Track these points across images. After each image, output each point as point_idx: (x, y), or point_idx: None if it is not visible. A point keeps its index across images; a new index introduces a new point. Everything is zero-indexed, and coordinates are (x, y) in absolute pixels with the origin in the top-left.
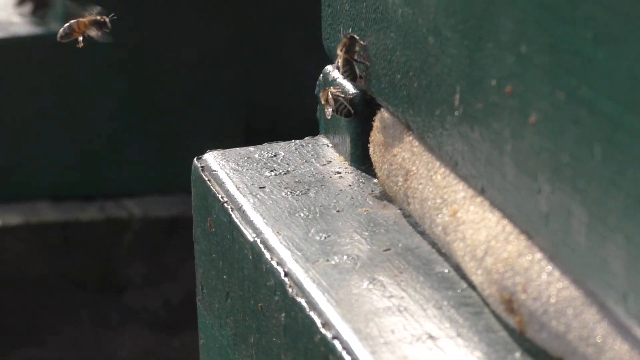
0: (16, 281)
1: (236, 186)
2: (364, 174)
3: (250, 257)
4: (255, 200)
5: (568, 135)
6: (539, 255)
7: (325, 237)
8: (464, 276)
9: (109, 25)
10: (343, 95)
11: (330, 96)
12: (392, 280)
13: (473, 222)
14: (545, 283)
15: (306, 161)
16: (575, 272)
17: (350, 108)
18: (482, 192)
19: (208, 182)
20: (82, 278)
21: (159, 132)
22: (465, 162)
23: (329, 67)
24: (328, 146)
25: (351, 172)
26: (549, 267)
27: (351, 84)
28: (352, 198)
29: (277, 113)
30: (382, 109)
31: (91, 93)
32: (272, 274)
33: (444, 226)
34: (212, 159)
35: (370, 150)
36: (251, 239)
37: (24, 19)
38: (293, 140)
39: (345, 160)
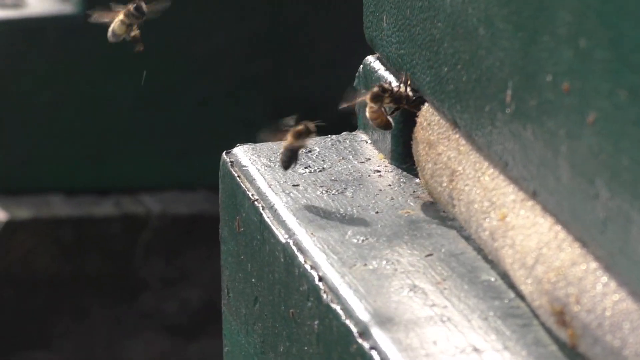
0: (25, 280)
1: (268, 183)
2: (405, 173)
3: (282, 259)
4: (288, 198)
5: (629, 137)
6: (594, 265)
7: (362, 240)
8: (512, 285)
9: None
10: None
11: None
12: (434, 288)
13: (523, 227)
14: (600, 294)
15: (343, 158)
16: (633, 284)
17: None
18: (533, 195)
19: (237, 178)
20: (96, 278)
21: (181, 124)
22: (516, 163)
23: (369, 58)
24: (367, 142)
25: (391, 171)
26: (605, 278)
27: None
28: (392, 199)
29: (311, 106)
30: (427, 104)
31: (109, 81)
32: (305, 279)
33: (491, 231)
34: (242, 154)
35: (413, 147)
36: (283, 241)
37: None
38: (329, 136)
39: (385, 158)
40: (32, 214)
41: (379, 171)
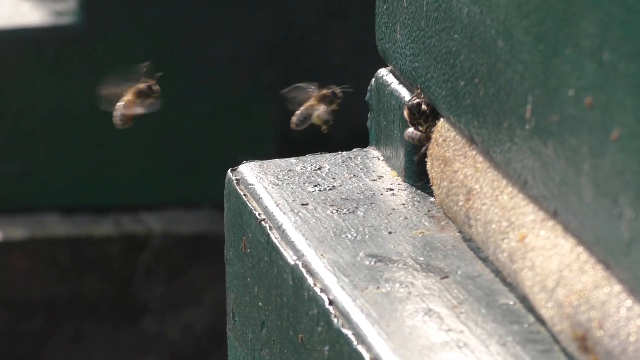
0: (20, 303)
1: (275, 202)
2: (419, 191)
3: (291, 282)
4: (297, 218)
5: None
6: (617, 288)
7: (375, 262)
8: (531, 309)
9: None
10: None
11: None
12: (450, 312)
13: (543, 248)
14: (624, 319)
15: (354, 175)
16: None
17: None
18: (554, 215)
19: (244, 196)
20: (94, 301)
21: (184, 138)
22: (536, 182)
23: (382, 71)
24: (379, 159)
25: (405, 189)
26: (629, 302)
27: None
28: (406, 218)
29: None
30: (442, 119)
31: None
32: (315, 302)
33: (510, 252)
34: (249, 171)
35: (428, 165)
36: (292, 262)
37: (33, 6)
38: (339, 152)
39: (399, 176)
40: (27, 233)
41: (392, 189)
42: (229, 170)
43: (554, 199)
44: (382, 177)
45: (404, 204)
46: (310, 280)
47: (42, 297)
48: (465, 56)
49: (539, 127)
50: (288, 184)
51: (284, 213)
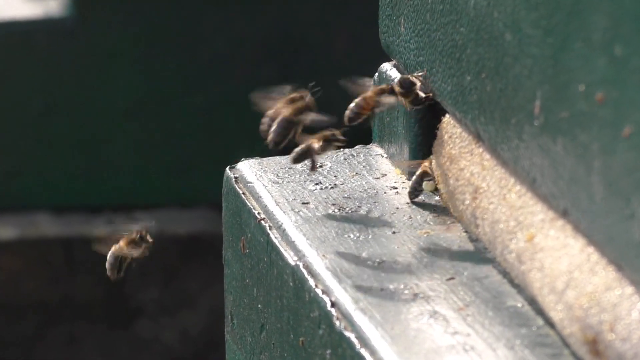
0: (10, 305)
1: (275, 201)
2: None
3: (291, 283)
4: (298, 217)
5: None
6: (629, 290)
7: (378, 263)
8: (540, 311)
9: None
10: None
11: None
12: (456, 315)
13: (553, 249)
14: (636, 322)
15: (357, 174)
16: None
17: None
18: (564, 214)
19: (242, 195)
20: (87, 304)
21: (180, 135)
22: (545, 180)
23: (385, 65)
24: (382, 157)
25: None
26: None
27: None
28: (411, 218)
29: None
30: (448, 116)
31: (101, 89)
32: (316, 304)
33: (518, 253)
34: (248, 169)
35: (433, 162)
36: (292, 263)
37: None
38: (341, 149)
39: (403, 174)
40: (17, 233)
41: (395, 188)
42: (227, 168)
43: (563, 198)
44: (385, 175)
45: (408, 203)
46: (311, 282)
47: (33, 299)
48: (471, 50)
49: (548, 123)
50: (288, 182)
51: (284, 212)
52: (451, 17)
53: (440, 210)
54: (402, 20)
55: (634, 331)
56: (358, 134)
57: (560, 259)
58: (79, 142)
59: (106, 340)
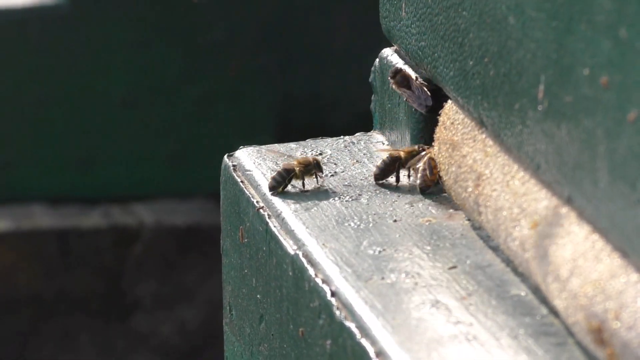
0: (4, 299)
1: None
2: None
3: (291, 273)
4: (297, 206)
5: None
6: (635, 277)
7: (379, 251)
8: (544, 300)
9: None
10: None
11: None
12: (458, 304)
13: (557, 236)
14: None
15: (357, 161)
16: None
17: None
18: (568, 201)
19: (241, 183)
20: (83, 297)
21: (177, 124)
22: (549, 166)
23: (386, 51)
24: (384, 144)
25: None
26: None
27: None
28: (412, 206)
29: (319, 105)
30: (450, 101)
31: (97, 79)
32: (316, 294)
33: (522, 241)
34: (246, 157)
35: (435, 149)
36: (292, 252)
37: None
38: (342, 137)
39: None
40: (12, 225)
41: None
42: (225, 156)
43: (568, 184)
44: None
45: (409, 191)
46: (311, 271)
47: (27, 292)
48: (474, 34)
49: (552, 108)
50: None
51: (283, 200)
52: (453, 1)
53: (443, 198)
54: (403, 5)
55: None
56: (358, 122)
57: (565, 247)
58: (74, 132)
59: (102, 334)
